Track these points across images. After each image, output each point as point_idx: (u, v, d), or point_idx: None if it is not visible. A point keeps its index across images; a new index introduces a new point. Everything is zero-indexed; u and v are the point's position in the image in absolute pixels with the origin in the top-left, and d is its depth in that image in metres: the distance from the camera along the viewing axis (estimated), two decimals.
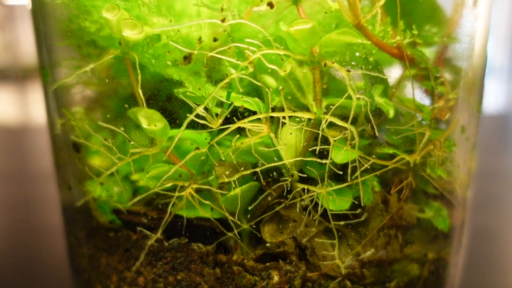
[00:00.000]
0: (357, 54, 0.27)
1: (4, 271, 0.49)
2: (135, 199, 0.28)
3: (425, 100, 0.30)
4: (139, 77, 0.26)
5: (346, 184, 0.27)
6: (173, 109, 0.27)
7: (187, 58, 0.24)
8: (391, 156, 0.29)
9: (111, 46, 0.27)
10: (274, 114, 0.25)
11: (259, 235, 0.28)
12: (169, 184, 0.27)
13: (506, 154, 1.03)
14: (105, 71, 0.28)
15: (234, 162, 0.26)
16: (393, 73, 0.30)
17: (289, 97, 0.25)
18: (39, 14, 0.30)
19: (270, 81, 0.25)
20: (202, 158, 0.26)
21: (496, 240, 0.58)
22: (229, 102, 0.25)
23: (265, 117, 0.25)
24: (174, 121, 0.27)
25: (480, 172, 0.85)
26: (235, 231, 0.27)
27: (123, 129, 0.27)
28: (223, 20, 0.24)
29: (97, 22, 0.27)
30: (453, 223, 0.34)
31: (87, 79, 0.28)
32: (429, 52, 0.32)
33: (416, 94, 0.29)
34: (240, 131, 0.26)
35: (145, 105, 0.26)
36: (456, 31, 0.32)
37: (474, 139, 0.37)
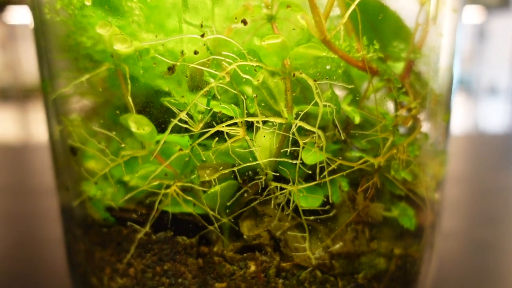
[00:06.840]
0: (327, 66, 0.30)
1: (5, 283, 0.51)
2: (126, 197, 0.31)
3: (391, 109, 0.33)
4: (129, 87, 0.29)
5: (315, 182, 0.30)
6: (160, 116, 0.30)
7: (171, 69, 0.28)
8: (359, 159, 0.32)
9: (104, 59, 0.30)
10: (248, 119, 0.28)
11: (238, 229, 0.31)
12: (156, 183, 0.30)
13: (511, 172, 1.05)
14: (99, 81, 0.31)
15: (214, 162, 0.29)
16: (364, 83, 0.33)
17: (263, 104, 0.28)
18: (40, 31, 0.34)
19: (246, 89, 0.28)
20: (185, 159, 0.29)
21: (499, 255, 0.59)
22: (209, 108, 0.28)
23: (241, 122, 0.28)
24: (161, 126, 0.30)
25: (485, 189, 0.88)
26: (216, 225, 0.30)
27: (115, 133, 0.30)
28: (202, 35, 0.27)
29: (92, 38, 0.30)
30: (421, 223, 0.37)
31: (83, 89, 0.32)
32: (398, 66, 0.35)
33: (383, 103, 0.33)
34: (219, 134, 0.29)
35: (134, 111, 0.29)
36: (421, 47, 0.35)
37: (442, 146, 0.40)
